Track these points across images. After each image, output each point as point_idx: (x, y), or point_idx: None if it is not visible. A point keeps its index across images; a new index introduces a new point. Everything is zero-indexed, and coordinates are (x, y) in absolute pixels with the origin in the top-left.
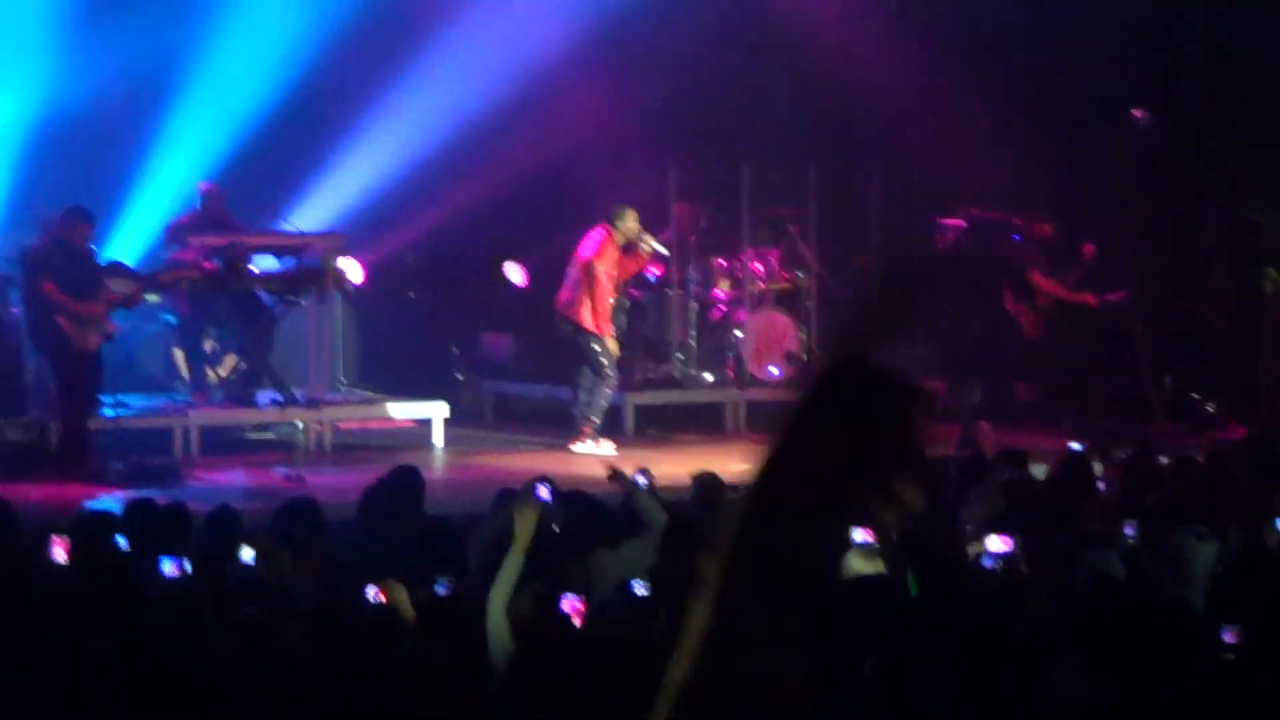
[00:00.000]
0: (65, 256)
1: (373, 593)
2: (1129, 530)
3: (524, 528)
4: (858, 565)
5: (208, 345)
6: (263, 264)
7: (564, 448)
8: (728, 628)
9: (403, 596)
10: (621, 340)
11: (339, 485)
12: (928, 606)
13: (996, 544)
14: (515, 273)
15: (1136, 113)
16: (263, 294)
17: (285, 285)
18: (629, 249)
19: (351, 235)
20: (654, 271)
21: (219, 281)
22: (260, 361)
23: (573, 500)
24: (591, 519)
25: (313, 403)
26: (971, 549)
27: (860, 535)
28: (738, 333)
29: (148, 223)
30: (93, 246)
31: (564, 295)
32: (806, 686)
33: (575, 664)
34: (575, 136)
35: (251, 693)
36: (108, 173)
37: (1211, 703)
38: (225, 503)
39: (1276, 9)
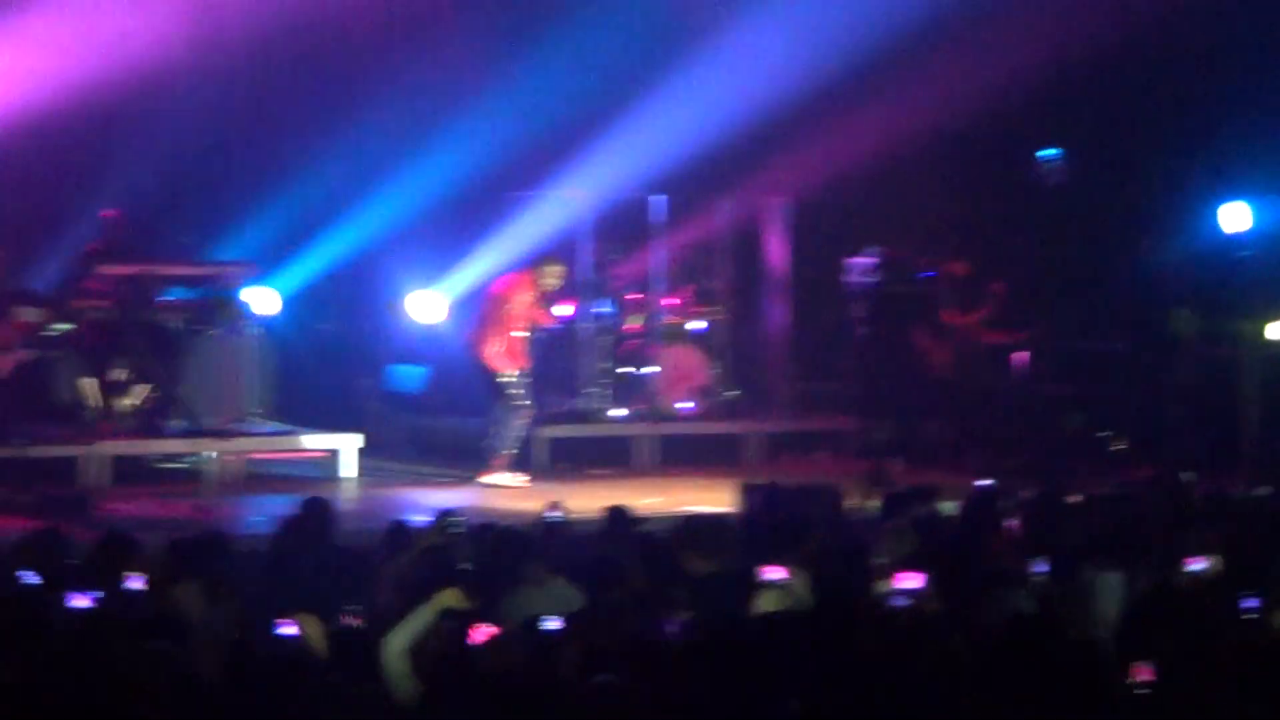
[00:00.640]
0: None
1: (284, 625)
2: (1040, 568)
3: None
4: (766, 603)
5: (117, 374)
6: (173, 293)
7: (474, 480)
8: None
9: (315, 629)
10: (532, 374)
11: (246, 516)
12: (838, 643)
13: (907, 580)
14: (427, 306)
15: (1047, 153)
16: (172, 323)
17: (195, 315)
18: (542, 300)
19: (264, 265)
20: (562, 314)
21: (128, 310)
22: (170, 391)
23: (483, 532)
24: (502, 551)
25: (223, 433)
26: (882, 586)
27: (770, 573)
28: (649, 368)
29: (56, 250)
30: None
31: (472, 333)
32: None
33: (481, 700)
34: (491, 166)
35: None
36: (18, 198)
37: None
38: (119, 531)
39: (1186, 50)
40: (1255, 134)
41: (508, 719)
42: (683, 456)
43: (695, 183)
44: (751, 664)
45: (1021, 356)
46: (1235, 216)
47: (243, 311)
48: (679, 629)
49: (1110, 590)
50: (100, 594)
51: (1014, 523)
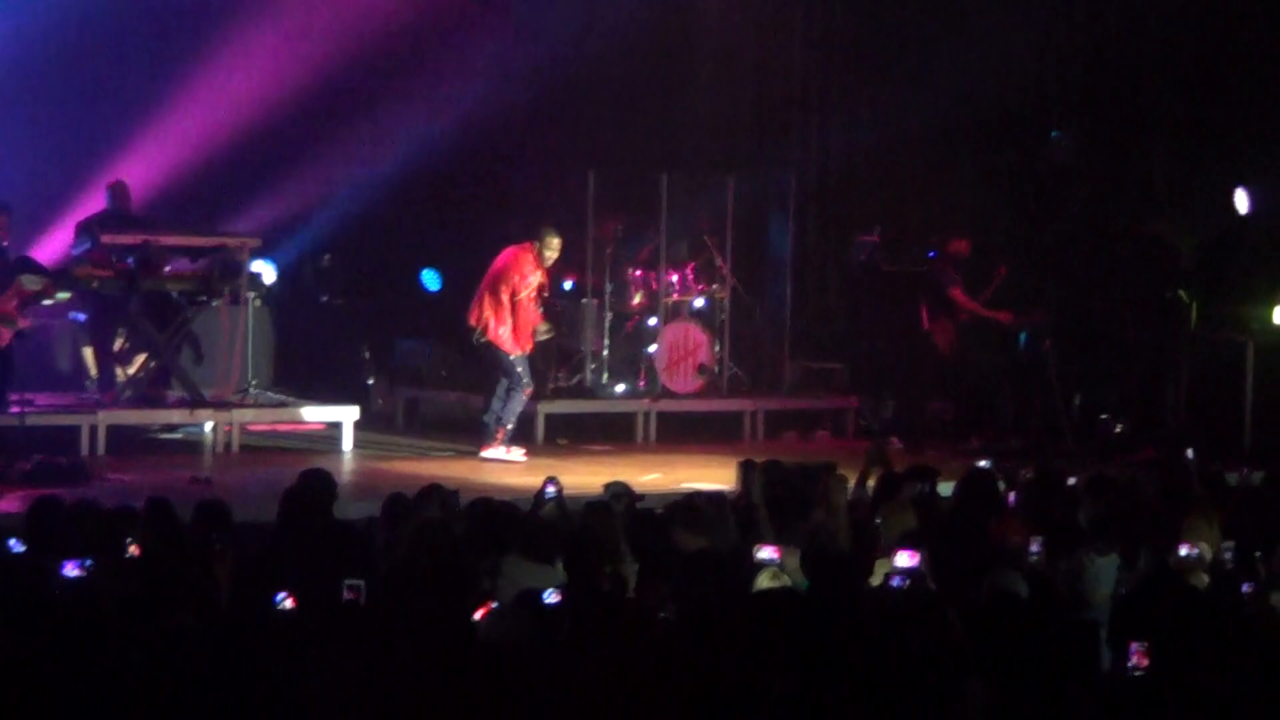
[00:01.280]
0: None
1: (283, 597)
2: (1034, 548)
3: None
4: (764, 582)
5: (117, 344)
6: (175, 264)
7: (474, 454)
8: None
9: None
10: (538, 349)
11: (246, 487)
12: (832, 622)
13: (903, 560)
14: (431, 280)
15: (1054, 135)
16: (174, 294)
17: (197, 285)
18: (542, 272)
19: (266, 237)
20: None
21: (130, 280)
22: (170, 362)
23: (478, 507)
24: (497, 526)
25: (222, 404)
26: (880, 565)
27: (766, 553)
28: (651, 346)
29: (59, 218)
30: (4, 241)
31: (475, 313)
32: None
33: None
34: (493, 144)
35: (156, 695)
36: (19, 163)
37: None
38: (127, 503)
39: (1193, 29)
40: (1266, 116)
41: (507, 692)
42: (683, 433)
43: (700, 160)
44: (743, 642)
45: (1024, 337)
46: (1244, 199)
47: (245, 283)
48: (672, 607)
49: (1105, 574)
50: (90, 562)
51: (1012, 503)
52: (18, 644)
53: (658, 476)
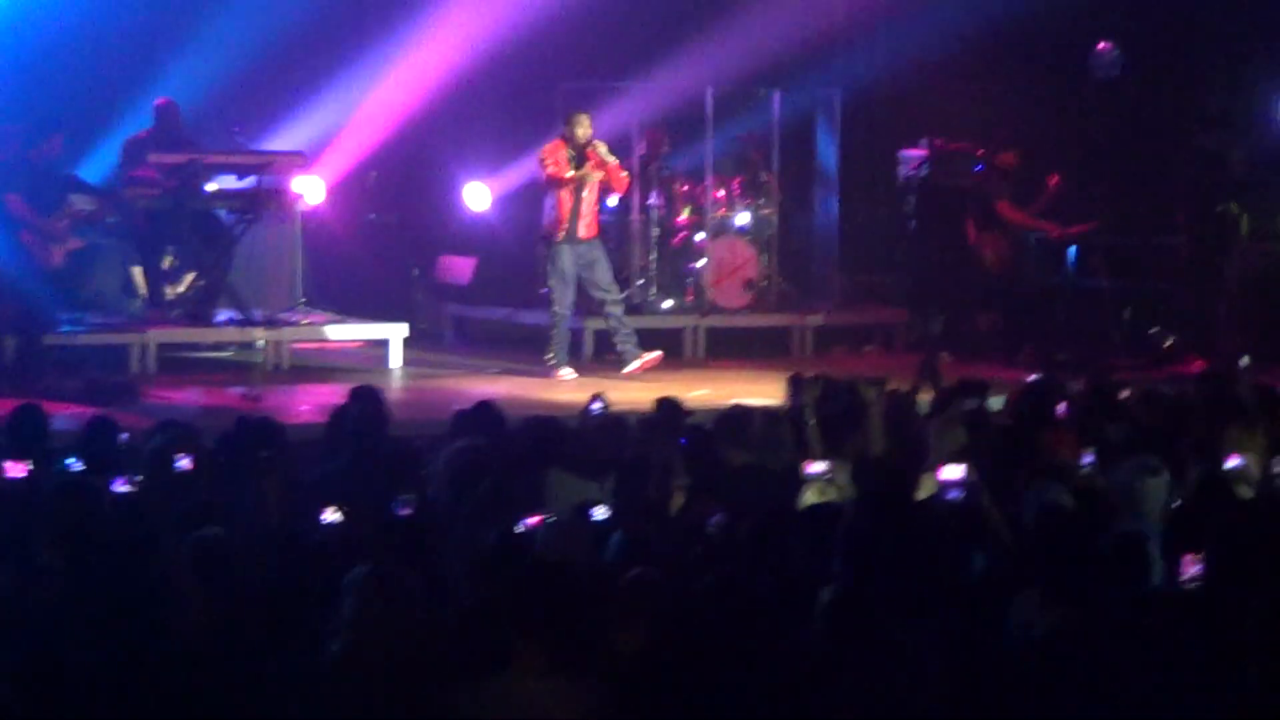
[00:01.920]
0: (29, 171)
1: (329, 513)
2: (1086, 459)
3: None
4: (811, 497)
5: (166, 263)
6: (222, 182)
7: (521, 370)
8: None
9: None
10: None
11: (296, 405)
12: (884, 536)
13: (953, 471)
14: (478, 195)
15: (1102, 46)
16: (221, 212)
17: (244, 204)
18: (582, 155)
19: (312, 154)
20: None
21: (177, 199)
22: (218, 280)
23: (530, 423)
24: (546, 441)
25: (271, 322)
26: (926, 481)
27: (817, 467)
28: (699, 261)
29: (106, 138)
30: (54, 161)
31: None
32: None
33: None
34: (539, 57)
35: (204, 610)
36: (67, 86)
37: (1171, 632)
38: (173, 419)
39: None
40: None
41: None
42: (731, 350)
43: (746, 75)
44: (792, 556)
45: (1074, 250)
46: None
47: (292, 201)
48: (721, 521)
49: (1156, 492)
50: (141, 478)
51: (1064, 416)
52: (71, 559)
53: (707, 392)
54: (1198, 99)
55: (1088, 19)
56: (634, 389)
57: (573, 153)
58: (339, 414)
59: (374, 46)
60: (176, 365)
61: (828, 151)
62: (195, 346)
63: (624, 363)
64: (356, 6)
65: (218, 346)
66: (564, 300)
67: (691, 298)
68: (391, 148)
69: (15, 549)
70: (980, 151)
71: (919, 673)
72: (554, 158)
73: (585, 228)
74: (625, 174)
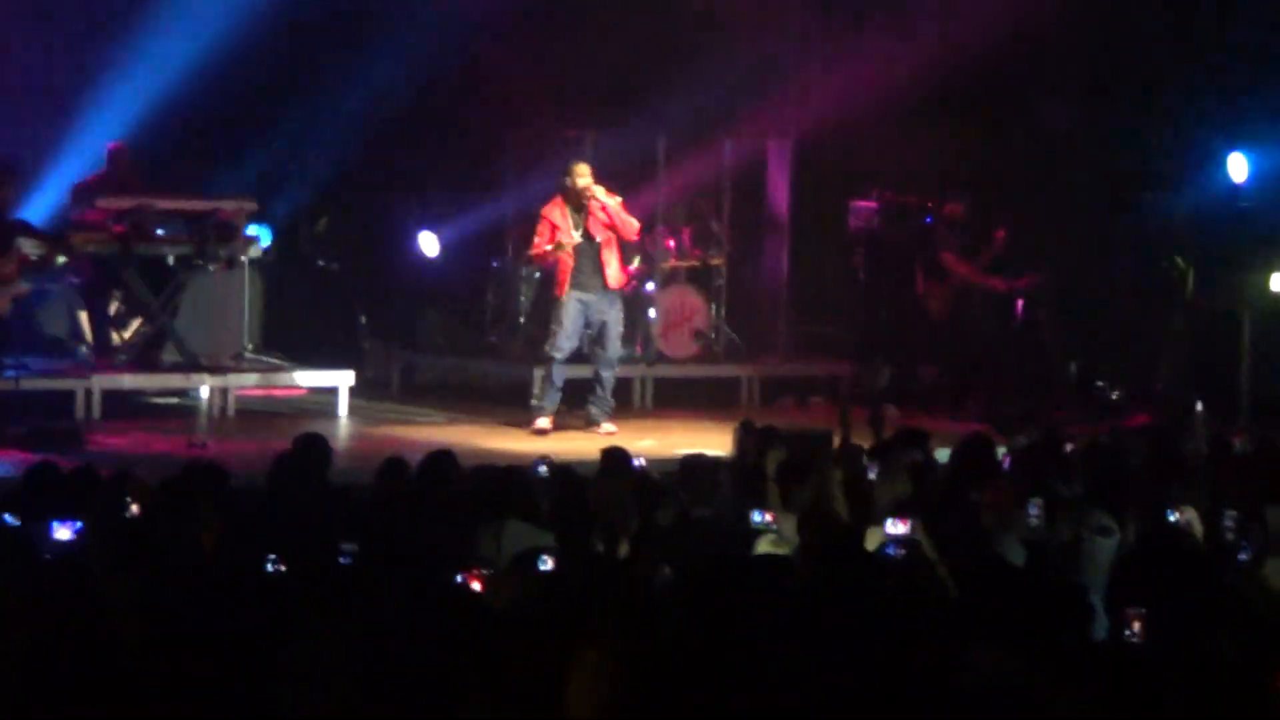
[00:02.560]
0: None
1: (271, 560)
2: (1032, 510)
3: None
4: (764, 547)
5: (112, 308)
6: (171, 228)
7: (469, 420)
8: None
9: None
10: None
11: (242, 452)
12: (828, 589)
13: (895, 527)
14: (427, 243)
15: (1052, 99)
16: (169, 258)
17: (193, 250)
18: (580, 205)
19: (262, 201)
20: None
21: (126, 244)
22: (165, 326)
23: (480, 474)
24: (497, 492)
25: (217, 369)
26: (872, 533)
27: (759, 517)
28: (648, 310)
29: (56, 183)
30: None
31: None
32: None
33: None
34: (489, 105)
35: (141, 657)
36: (17, 130)
37: (1114, 686)
38: (125, 468)
39: None
40: (1263, 81)
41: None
42: (679, 399)
43: (697, 123)
44: (741, 608)
45: (1020, 303)
46: (1241, 166)
47: (240, 247)
48: (668, 572)
49: (1104, 553)
50: (81, 525)
51: (1008, 468)
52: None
53: (653, 443)
54: (1145, 153)
55: (1037, 71)
56: (581, 439)
57: (573, 208)
58: (281, 461)
59: (324, 92)
60: (122, 411)
61: (777, 201)
62: (141, 392)
63: (593, 421)
64: (306, 56)
65: (164, 393)
66: (558, 345)
67: (641, 348)
68: (340, 194)
69: None
70: (929, 204)
71: None
72: (544, 226)
73: (612, 279)
74: (634, 222)
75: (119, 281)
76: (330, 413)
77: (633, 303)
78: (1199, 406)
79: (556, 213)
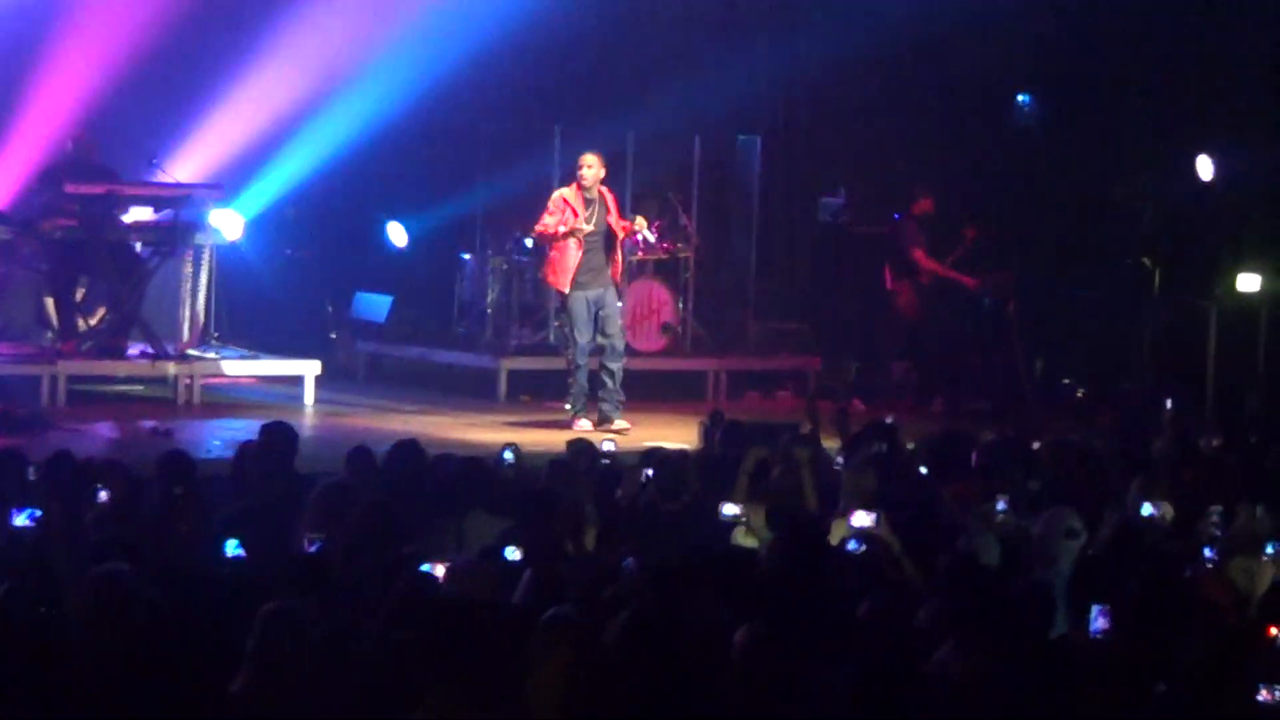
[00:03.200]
0: None
1: (232, 546)
2: (1000, 506)
3: None
4: (739, 539)
5: (79, 294)
6: (138, 214)
7: (435, 410)
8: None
9: None
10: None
11: (206, 440)
12: (796, 580)
13: (860, 519)
14: (396, 233)
15: (1021, 98)
16: (137, 245)
17: (160, 236)
18: (591, 197)
19: (230, 188)
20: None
21: (92, 230)
22: (132, 312)
23: (442, 462)
24: (462, 483)
25: (183, 356)
26: (837, 526)
27: (729, 509)
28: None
29: (18, 166)
30: None
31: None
32: None
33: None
34: (459, 100)
35: (105, 646)
36: None
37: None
38: (66, 450)
39: None
40: (1230, 82)
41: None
42: (646, 392)
43: (666, 119)
44: (706, 598)
45: (987, 300)
46: (1208, 166)
47: (208, 234)
48: (635, 564)
49: (1069, 549)
50: (40, 513)
51: (975, 465)
52: None
53: (622, 430)
54: (1115, 152)
55: (1007, 69)
56: (547, 431)
57: (586, 198)
58: (245, 449)
59: (297, 81)
60: (87, 398)
61: (746, 196)
62: (107, 379)
63: (605, 418)
64: (278, 43)
65: (129, 380)
66: (581, 349)
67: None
68: (310, 183)
69: None
70: (899, 200)
71: (832, 716)
72: (558, 205)
73: (618, 271)
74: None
75: (86, 267)
76: (297, 402)
77: None
78: (1167, 405)
79: (572, 196)
